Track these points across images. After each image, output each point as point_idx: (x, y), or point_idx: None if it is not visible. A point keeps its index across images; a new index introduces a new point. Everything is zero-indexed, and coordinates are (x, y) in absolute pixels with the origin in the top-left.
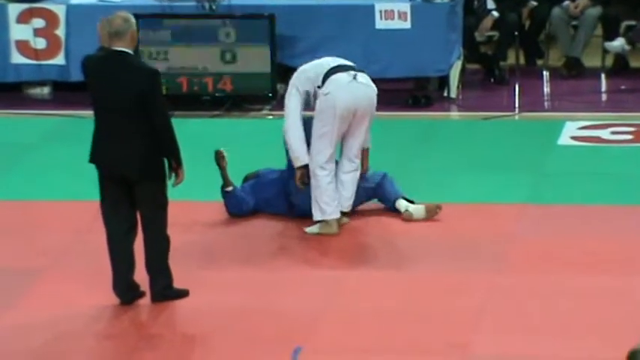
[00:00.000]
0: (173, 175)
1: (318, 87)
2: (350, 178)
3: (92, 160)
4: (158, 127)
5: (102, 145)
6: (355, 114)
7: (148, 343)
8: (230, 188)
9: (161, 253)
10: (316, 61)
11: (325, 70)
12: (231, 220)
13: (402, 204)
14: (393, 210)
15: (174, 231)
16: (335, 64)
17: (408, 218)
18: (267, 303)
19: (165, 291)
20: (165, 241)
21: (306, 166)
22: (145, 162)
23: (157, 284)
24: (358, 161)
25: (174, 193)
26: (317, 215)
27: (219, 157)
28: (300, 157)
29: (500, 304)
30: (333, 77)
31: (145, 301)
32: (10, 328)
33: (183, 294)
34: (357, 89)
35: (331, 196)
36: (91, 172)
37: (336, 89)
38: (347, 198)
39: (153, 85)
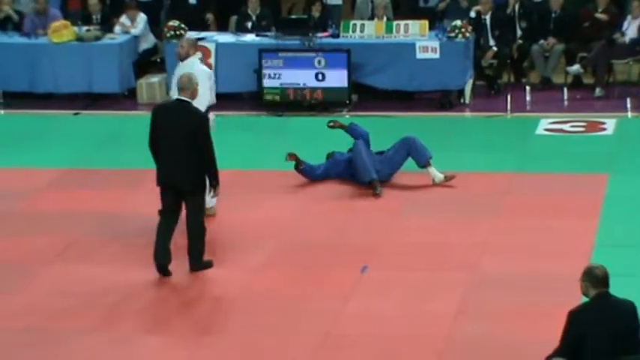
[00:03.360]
0: (212, 189)
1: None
2: None
3: (159, 183)
4: (205, 156)
5: (165, 168)
6: None
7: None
8: (302, 166)
9: (199, 238)
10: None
11: None
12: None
13: (431, 172)
14: (421, 167)
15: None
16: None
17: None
18: (338, 238)
19: (199, 264)
20: (203, 230)
21: None
22: (194, 179)
23: (194, 259)
24: None
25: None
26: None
27: (291, 158)
28: None
29: (500, 238)
30: None
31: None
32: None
33: (210, 264)
34: None
35: None
36: (228, 146)
37: None
38: None
39: (202, 126)
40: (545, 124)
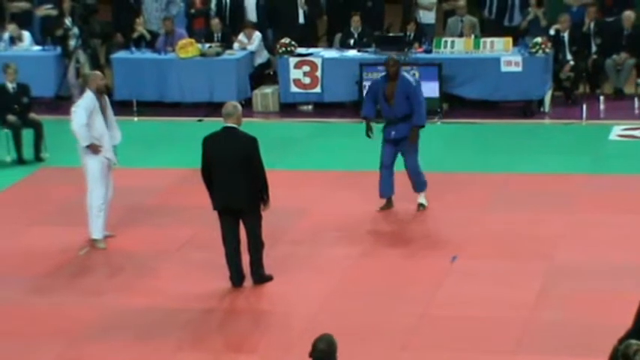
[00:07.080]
0: (263, 204)
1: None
2: None
3: (217, 207)
4: (258, 175)
5: (222, 192)
6: None
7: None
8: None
9: (258, 252)
10: None
11: None
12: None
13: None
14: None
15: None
16: None
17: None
18: (429, 230)
19: (260, 277)
20: (261, 244)
21: None
22: (251, 199)
23: (255, 272)
24: None
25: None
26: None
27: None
28: None
29: (575, 231)
30: None
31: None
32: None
33: (270, 278)
34: None
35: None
36: (332, 150)
37: None
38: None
39: (254, 148)
40: (617, 130)
